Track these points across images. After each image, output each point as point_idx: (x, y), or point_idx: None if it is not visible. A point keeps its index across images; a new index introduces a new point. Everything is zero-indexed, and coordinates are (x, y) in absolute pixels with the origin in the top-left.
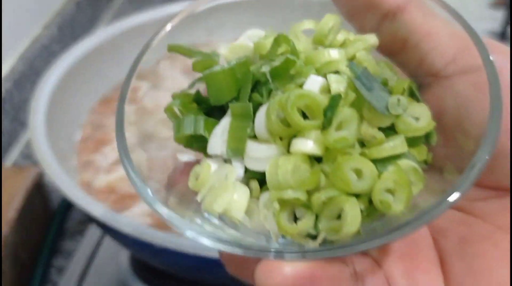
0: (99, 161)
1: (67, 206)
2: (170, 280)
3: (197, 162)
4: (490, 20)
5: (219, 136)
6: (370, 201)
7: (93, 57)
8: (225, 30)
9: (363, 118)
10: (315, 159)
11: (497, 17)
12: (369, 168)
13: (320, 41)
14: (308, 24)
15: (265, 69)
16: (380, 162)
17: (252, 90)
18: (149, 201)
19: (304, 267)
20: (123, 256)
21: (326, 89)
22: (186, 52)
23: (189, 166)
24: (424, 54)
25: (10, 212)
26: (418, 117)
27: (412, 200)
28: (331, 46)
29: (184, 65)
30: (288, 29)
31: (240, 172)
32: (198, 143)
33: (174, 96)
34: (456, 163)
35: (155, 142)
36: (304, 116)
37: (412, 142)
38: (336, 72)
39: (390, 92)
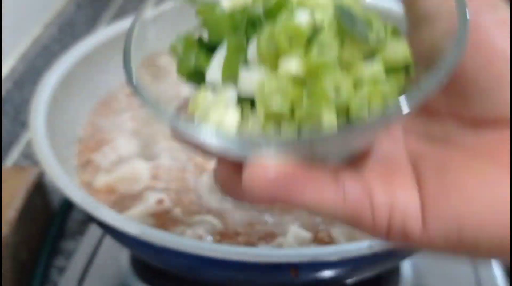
0: (99, 161)
1: (68, 206)
2: (170, 280)
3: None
4: None
5: (216, 66)
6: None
7: (93, 57)
8: None
9: (344, 48)
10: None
11: None
12: (347, 83)
13: None
14: None
15: (259, 10)
16: (359, 84)
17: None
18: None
19: (288, 167)
20: (124, 256)
21: (312, 24)
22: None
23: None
24: None
25: (10, 212)
26: (397, 52)
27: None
28: None
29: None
30: None
31: (233, 95)
32: (199, 77)
33: (178, 37)
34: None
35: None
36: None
37: (390, 72)
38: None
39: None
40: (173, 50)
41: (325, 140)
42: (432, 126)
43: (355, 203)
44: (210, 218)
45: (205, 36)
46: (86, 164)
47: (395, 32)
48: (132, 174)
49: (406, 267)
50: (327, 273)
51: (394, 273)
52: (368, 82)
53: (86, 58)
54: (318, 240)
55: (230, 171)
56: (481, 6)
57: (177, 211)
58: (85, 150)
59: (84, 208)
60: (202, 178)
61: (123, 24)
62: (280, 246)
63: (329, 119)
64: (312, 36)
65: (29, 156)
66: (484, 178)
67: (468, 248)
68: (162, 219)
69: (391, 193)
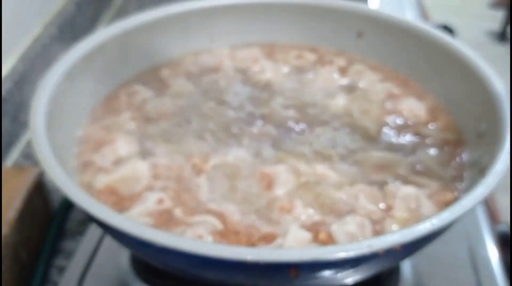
0: (100, 162)
1: (68, 206)
2: (170, 280)
3: None
4: (490, 20)
5: None
6: None
7: (94, 57)
8: (226, 37)
9: None
10: None
11: (497, 17)
12: None
13: None
14: None
15: None
16: None
17: None
18: None
19: None
20: (124, 256)
21: None
22: None
23: None
24: None
25: (11, 212)
26: None
27: None
28: None
29: (187, 71)
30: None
31: None
32: None
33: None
34: None
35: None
36: None
37: None
38: None
39: None
40: None
41: None
42: None
43: None
44: (210, 218)
45: None
46: (86, 165)
47: None
48: (132, 174)
49: (406, 267)
50: (327, 273)
51: (394, 273)
52: None
53: (86, 58)
54: (318, 240)
55: None
56: None
57: (177, 211)
58: (85, 151)
59: (84, 208)
60: (201, 178)
61: (123, 24)
62: (280, 246)
63: None
64: None
65: (29, 156)
66: None
67: None
68: (162, 219)
69: None
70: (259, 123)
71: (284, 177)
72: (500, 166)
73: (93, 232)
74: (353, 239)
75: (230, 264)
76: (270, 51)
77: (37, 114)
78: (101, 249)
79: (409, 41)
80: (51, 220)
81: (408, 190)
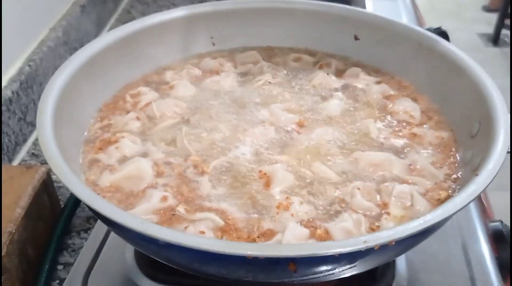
0: (105, 160)
1: (74, 204)
2: (173, 274)
3: None
4: (484, 23)
5: None
6: None
7: (99, 59)
8: (227, 40)
9: None
10: None
11: (491, 20)
12: None
13: None
14: None
15: None
16: None
17: None
18: None
19: None
20: (128, 252)
21: None
22: None
23: None
24: None
25: (18, 210)
26: None
27: None
28: None
29: (190, 73)
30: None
31: None
32: None
33: None
34: None
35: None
36: None
37: None
38: None
39: None
40: None
41: None
42: None
43: None
44: (211, 215)
45: None
46: (92, 163)
47: None
48: (136, 173)
49: (401, 262)
50: (324, 268)
51: (389, 269)
52: None
53: (92, 60)
54: (315, 237)
55: None
56: None
57: (180, 208)
58: (91, 150)
59: (90, 206)
60: (202, 177)
61: (128, 27)
62: (279, 242)
63: None
64: None
65: (36, 155)
66: None
67: None
68: (165, 216)
69: None
70: (259, 123)
71: (282, 175)
72: (492, 165)
73: (99, 229)
74: (349, 235)
75: (231, 259)
76: (270, 54)
77: (44, 114)
78: (106, 245)
79: (404, 44)
80: (57, 217)
81: (403, 188)
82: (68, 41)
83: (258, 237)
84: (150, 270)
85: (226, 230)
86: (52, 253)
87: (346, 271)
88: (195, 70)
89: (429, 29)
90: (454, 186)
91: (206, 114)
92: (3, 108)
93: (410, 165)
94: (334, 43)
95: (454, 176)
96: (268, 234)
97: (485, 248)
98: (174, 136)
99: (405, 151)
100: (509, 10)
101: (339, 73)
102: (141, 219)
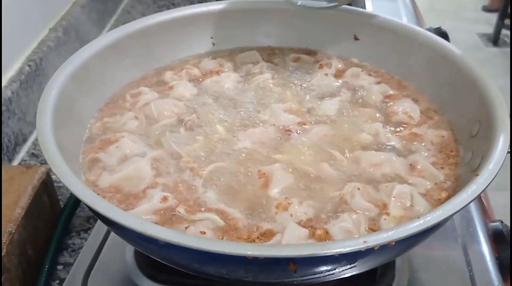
0: (105, 160)
1: (74, 204)
2: (173, 274)
3: None
4: (483, 23)
5: None
6: None
7: (99, 59)
8: (227, 40)
9: None
10: None
11: (491, 20)
12: None
13: None
14: None
15: None
16: None
17: None
18: None
19: None
20: (128, 252)
21: None
22: None
23: None
24: None
25: (18, 210)
26: None
27: None
28: None
29: (189, 74)
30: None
31: None
32: None
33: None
34: None
35: None
36: None
37: None
38: None
39: None
40: None
41: None
42: None
43: None
44: (212, 216)
45: None
46: (92, 163)
47: None
48: (136, 173)
49: (401, 262)
50: (324, 268)
51: (389, 269)
52: None
53: (92, 61)
54: (315, 237)
55: None
56: None
57: (180, 208)
58: (91, 150)
59: (90, 205)
60: (202, 177)
61: (128, 27)
62: (278, 242)
63: None
64: None
65: (36, 155)
66: None
67: None
68: (165, 216)
69: None
70: (259, 123)
71: (281, 175)
72: (492, 165)
73: (99, 229)
74: (349, 236)
75: (231, 259)
76: (270, 54)
77: (43, 114)
78: (106, 245)
79: (404, 44)
80: (57, 217)
81: (403, 188)
82: (68, 41)
83: (258, 237)
84: (150, 270)
85: (226, 231)
86: (52, 253)
87: (346, 271)
88: (194, 70)
89: (429, 29)
90: (454, 186)
91: (205, 114)
92: (3, 108)
93: (410, 165)
94: (334, 43)
95: (454, 176)
96: (267, 235)
97: (485, 248)
98: (174, 136)
99: (406, 151)
100: (509, 10)
101: (339, 73)
102: (141, 219)
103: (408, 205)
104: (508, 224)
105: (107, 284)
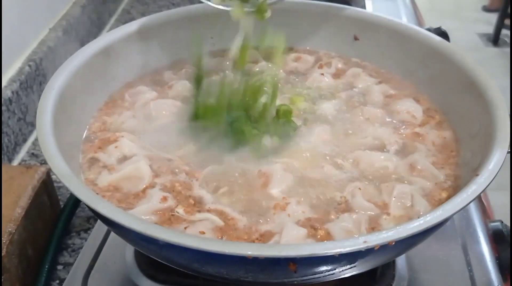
0: (105, 160)
1: (74, 204)
2: (173, 274)
3: None
4: (483, 23)
5: None
6: None
7: (99, 59)
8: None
9: None
10: None
11: (491, 20)
12: None
13: None
14: None
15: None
16: None
17: None
18: None
19: None
20: (128, 252)
21: None
22: None
23: None
24: None
25: (18, 210)
26: None
27: None
28: None
29: (189, 73)
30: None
31: None
32: None
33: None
34: None
35: None
36: None
37: None
38: None
39: None
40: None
41: None
42: None
43: None
44: (211, 216)
45: None
46: (92, 163)
47: None
48: (135, 173)
49: (401, 262)
50: (324, 268)
51: (389, 269)
52: None
53: (91, 60)
54: (315, 237)
55: None
56: None
57: (179, 209)
58: (90, 149)
59: (90, 206)
60: (200, 178)
61: (127, 27)
62: (278, 242)
63: None
64: None
65: (36, 155)
66: None
67: None
68: (164, 216)
69: None
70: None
71: (281, 175)
72: (492, 165)
73: (99, 229)
74: (349, 236)
75: (231, 259)
76: (269, 53)
77: (43, 114)
78: (106, 245)
79: (404, 44)
80: (57, 217)
81: (404, 188)
82: (68, 41)
83: (257, 238)
84: (150, 270)
85: (225, 231)
86: (52, 253)
87: (346, 271)
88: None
89: (429, 29)
90: (454, 186)
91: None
92: (3, 108)
93: (410, 165)
94: (334, 43)
95: (455, 176)
96: (267, 235)
97: (485, 248)
98: (168, 136)
99: (406, 151)
100: (509, 10)
101: (339, 73)
102: (141, 219)
103: (408, 205)
104: (508, 224)
105: (107, 284)
